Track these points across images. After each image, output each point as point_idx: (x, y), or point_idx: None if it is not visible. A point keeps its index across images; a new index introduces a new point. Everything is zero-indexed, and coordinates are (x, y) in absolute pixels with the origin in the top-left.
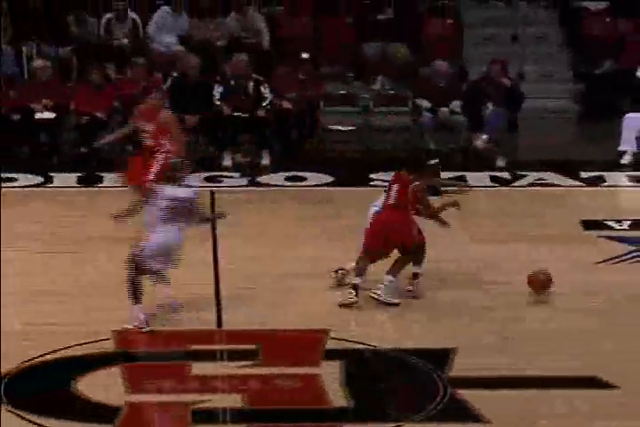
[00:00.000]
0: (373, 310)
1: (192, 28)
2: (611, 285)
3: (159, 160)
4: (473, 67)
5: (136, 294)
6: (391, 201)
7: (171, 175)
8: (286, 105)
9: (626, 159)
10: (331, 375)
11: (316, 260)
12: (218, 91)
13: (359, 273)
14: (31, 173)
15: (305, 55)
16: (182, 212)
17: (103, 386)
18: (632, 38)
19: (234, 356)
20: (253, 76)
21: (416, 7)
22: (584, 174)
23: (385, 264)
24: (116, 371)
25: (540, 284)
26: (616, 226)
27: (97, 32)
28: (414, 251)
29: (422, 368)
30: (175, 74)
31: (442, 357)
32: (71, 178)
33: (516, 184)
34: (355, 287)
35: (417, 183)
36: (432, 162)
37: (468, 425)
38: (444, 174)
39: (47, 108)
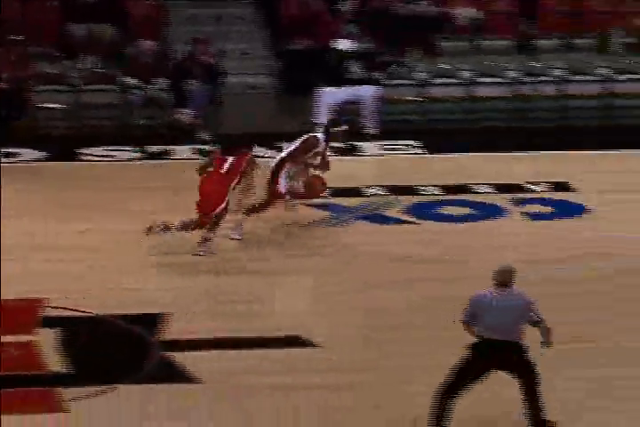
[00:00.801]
0: (92, 277)
1: None
2: (323, 246)
3: None
4: (178, 46)
5: None
6: (222, 170)
7: None
8: None
9: (320, 131)
10: (47, 342)
11: (32, 233)
12: None
13: (183, 227)
14: None
15: (15, 36)
16: None
17: None
18: (325, 17)
19: None
20: None
21: None
22: (283, 146)
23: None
24: None
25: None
26: None
27: None
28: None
29: (136, 333)
30: None
31: (155, 321)
32: None
33: None
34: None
35: (251, 157)
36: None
37: (178, 385)
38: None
39: None
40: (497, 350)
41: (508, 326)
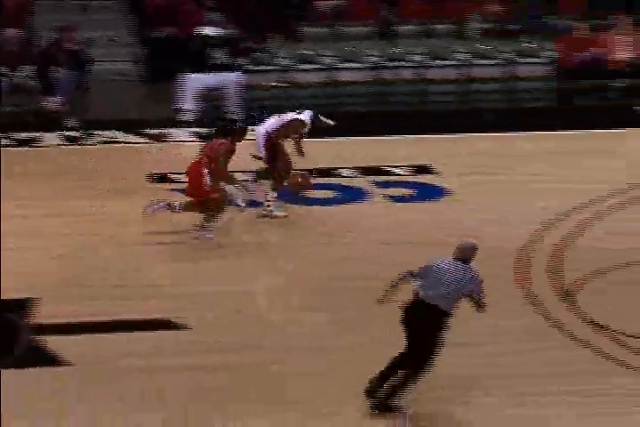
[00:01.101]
0: None
1: None
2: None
3: None
4: (43, 33)
5: None
6: (201, 155)
7: None
8: None
9: (185, 116)
10: None
11: None
12: None
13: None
14: None
15: None
16: None
17: None
18: (189, 4)
19: None
20: None
21: None
22: (149, 131)
23: None
24: None
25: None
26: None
27: None
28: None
29: (5, 317)
30: None
31: (24, 305)
32: None
33: (87, 143)
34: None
35: (222, 144)
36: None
37: (47, 369)
38: None
39: None
40: (423, 310)
41: (444, 296)
